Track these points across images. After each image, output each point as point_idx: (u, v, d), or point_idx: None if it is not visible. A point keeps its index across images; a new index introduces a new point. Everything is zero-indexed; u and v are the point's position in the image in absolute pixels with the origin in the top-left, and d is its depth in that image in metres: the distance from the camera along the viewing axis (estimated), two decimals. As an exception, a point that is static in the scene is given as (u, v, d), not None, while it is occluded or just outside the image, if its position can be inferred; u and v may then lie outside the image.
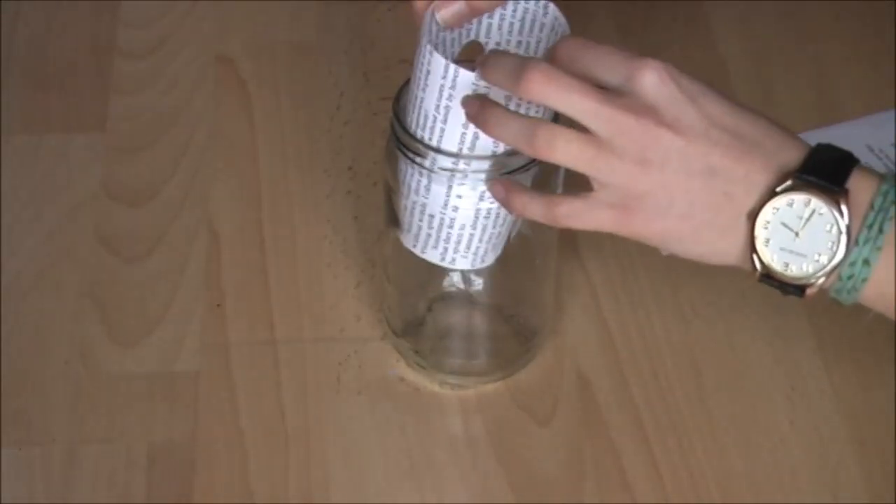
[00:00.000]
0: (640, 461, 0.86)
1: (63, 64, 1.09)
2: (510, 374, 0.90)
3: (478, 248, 0.83)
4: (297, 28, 1.12)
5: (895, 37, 1.10)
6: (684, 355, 0.91)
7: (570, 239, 0.95)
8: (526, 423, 0.88)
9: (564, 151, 0.73)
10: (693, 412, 0.88)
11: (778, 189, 0.71)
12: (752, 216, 0.72)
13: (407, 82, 0.84)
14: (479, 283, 0.89)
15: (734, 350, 0.91)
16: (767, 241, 0.72)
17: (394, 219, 0.85)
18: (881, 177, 0.72)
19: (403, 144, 0.81)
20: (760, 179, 0.72)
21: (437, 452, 0.86)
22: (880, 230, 0.71)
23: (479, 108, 0.76)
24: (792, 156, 0.72)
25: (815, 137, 1.03)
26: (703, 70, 1.08)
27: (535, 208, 0.77)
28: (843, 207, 0.71)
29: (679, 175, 0.72)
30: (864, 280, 0.71)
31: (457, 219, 0.82)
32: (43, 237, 0.97)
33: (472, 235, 0.82)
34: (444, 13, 0.80)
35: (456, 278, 0.89)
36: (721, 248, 0.74)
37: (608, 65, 0.73)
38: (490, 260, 0.85)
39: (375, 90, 1.07)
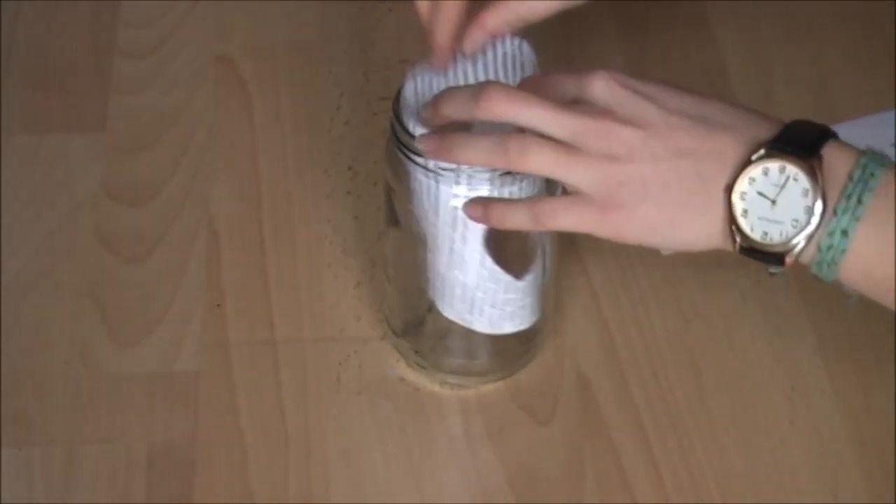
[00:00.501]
0: (640, 461, 0.85)
1: (63, 64, 1.09)
2: (510, 374, 0.90)
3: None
4: (297, 28, 1.12)
5: (895, 37, 1.10)
6: (684, 355, 0.91)
7: (570, 239, 0.95)
8: (526, 423, 0.88)
9: (538, 158, 0.74)
10: (693, 412, 0.88)
11: (752, 158, 0.72)
12: (728, 189, 0.72)
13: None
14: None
15: (734, 350, 0.91)
16: (745, 211, 0.72)
17: (394, 219, 0.85)
18: (861, 151, 0.73)
19: (403, 144, 0.81)
20: (732, 153, 0.73)
21: (437, 452, 0.86)
22: (859, 201, 0.71)
23: (437, 142, 0.78)
24: (765, 130, 0.73)
25: (815, 137, 1.04)
26: (703, 70, 1.08)
27: (515, 215, 0.77)
28: (818, 173, 0.71)
29: (647, 164, 0.73)
30: (843, 251, 0.71)
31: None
32: (43, 237, 0.97)
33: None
34: (468, 46, 0.82)
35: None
36: (702, 229, 0.74)
37: (563, 86, 0.76)
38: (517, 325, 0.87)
39: (375, 90, 1.07)
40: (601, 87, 0.74)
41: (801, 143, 0.73)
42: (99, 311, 0.93)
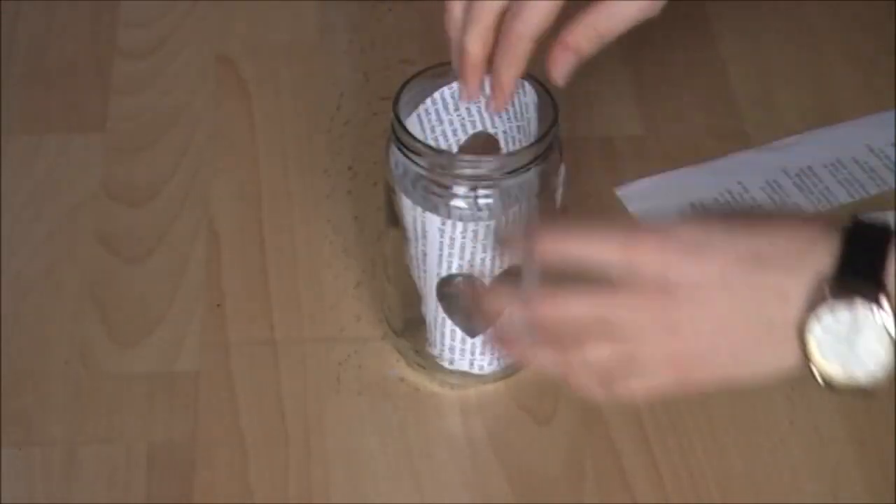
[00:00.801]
0: (640, 461, 0.85)
1: (63, 64, 1.09)
2: (510, 375, 0.89)
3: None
4: (297, 28, 1.12)
5: (895, 37, 1.10)
6: (684, 355, 0.90)
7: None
8: (526, 423, 0.88)
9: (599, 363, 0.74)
10: (693, 412, 0.88)
11: (817, 302, 0.68)
12: (800, 329, 0.68)
13: (407, 81, 0.84)
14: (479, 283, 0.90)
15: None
16: (823, 351, 0.69)
17: (394, 219, 0.85)
18: None
19: (403, 144, 0.81)
20: (795, 294, 0.69)
21: (437, 452, 0.86)
22: None
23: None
24: (822, 258, 0.68)
25: (816, 137, 1.04)
26: (703, 70, 1.08)
27: (596, 394, 0.76)
28: (885, 304, 0.67)
29: (711, 323, 0.71)
30: None
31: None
32: (43, 237, 0.97)
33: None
34: (559, 71, 0.81)
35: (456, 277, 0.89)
36: (780, 363, 0.70)
37: (606, 254, 0.72)
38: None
39: (375, 90, 1.07)
40: (649, 259, 0.70)
41: (864, 270, 0.67)
42: (99, 311, 0.93)
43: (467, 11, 0.81)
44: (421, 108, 0.84)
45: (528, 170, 0.81)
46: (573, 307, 0.73)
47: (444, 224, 0.82)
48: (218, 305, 0.93)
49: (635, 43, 1.10)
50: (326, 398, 0.89)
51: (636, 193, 0.99)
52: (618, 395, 0.75)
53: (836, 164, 1.01)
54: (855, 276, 0.67)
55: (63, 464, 0.85)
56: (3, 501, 0.83)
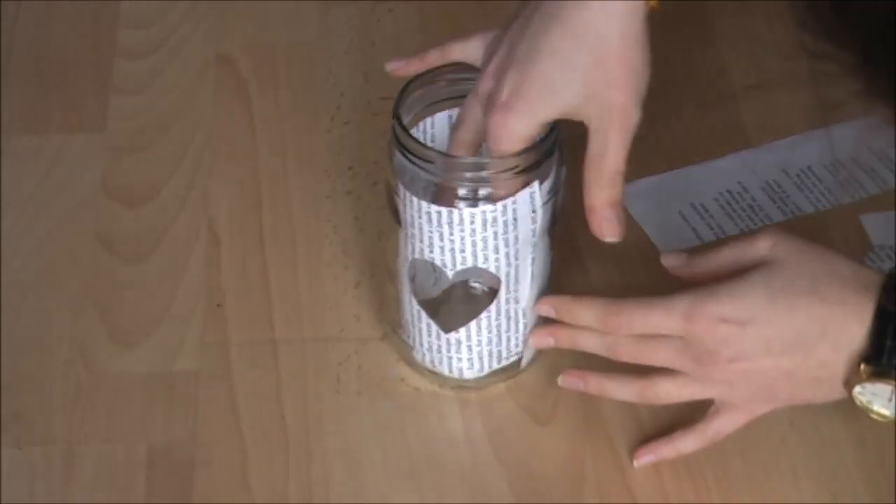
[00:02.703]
0: (640, 461, 0.86)
1: (63, 64, 1.09)
2: (511, 377, 0.89)
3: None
4: (297, 28, 1.12)
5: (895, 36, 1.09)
6: (684, 355, 0.90)
7: (570, 240, 0.95)
8: (526, 423, 0.88)
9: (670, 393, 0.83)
10: (693, 412, 0.87)
11: (855, 382, 0.78)
12: (848, 387, 0.79)
13: (409, 83, 0.84)
14: (480, 283, 0.89)
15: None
16: (870, 405, 0.79)
17: (395, 218, 0.85)
18: None
19: (403, 146, 0.82)
20: (837, 369, 0.78)
21: (437, 452, 0.86)
22: None
23: (580, 378, 0.86)
24: (857, 336, 0.78)
25: (816, 137, 1.04)
26: (704, 70, 1.08)
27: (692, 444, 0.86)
28: None
29: (761, 387, 0.81)
30: None
31: None
32: (43, 237, 0.97)
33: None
34: (613, 232, 0.85)
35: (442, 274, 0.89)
36: (835, 398, 0.81)
37: (659, 326, 0.81)
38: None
39: (375, 90, 1.07)
40: (707, 336, 0.79)
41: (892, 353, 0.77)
42: (99, 311, 0.93)
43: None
44: (437, 117, 0.86)
45: (530, 171, 0.81)
46: (654, 320, 0.81)
47: (447, 215, 0.82)
48: (218, 305, 0.93)
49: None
50: (326, 398, 0.89)
51: (636, 193, 0.99)
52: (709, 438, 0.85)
53: (836, 164, 1.01)
54: (889, 360, 0.77)
55: (63, 464, 0.85)
56: (3, 501, 0.83)
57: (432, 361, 0.88)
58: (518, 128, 0.80)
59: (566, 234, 0.94)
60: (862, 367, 0.77)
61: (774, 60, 1.10)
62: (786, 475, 0.85)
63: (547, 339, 0.86)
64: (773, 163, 1.02)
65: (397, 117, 0.82)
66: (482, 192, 0.82)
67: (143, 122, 1.05)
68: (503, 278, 0.84)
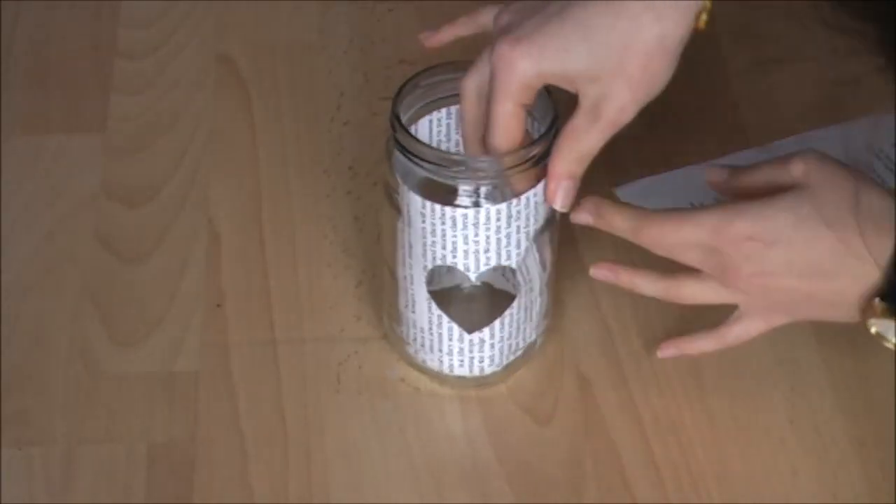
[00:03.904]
0: (640, 461, 0.86)
1: (63, 64, 1.09)
2: (510, 374, 0.89)
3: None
4: (297, 28, 1.12)
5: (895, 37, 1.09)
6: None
7: (569, 239, 0.95)
8: (526, 423, 0.88)
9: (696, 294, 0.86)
10: (693, 412, 0.88)
11: (869, 315, 0.80)
12: (862, 316, 0.81)
13: (407, 81, 0.84)
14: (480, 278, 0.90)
15: (734, 350, 0.91)
16: (883, 336, 0.81)
17: (396, 209, 0.85)
18: None
19: (402, 145, 0.82)
20: (853, 299, 0.80)
21: (437, 452, 0.86)
22: None
23: (610, 269, 0.88)
24: (875, 271, 0.79)
25: (816, 137, 1.04)
26: (703, 70, 1.08)
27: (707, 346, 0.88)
28: None
29: (780, 302, 0.84)
30: None
31: None
32: (43, 237, 0.97)
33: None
34: (561, 201, 0.84)
35: (458, 275, 0.89)
36: (850, 319, 0.83)
37: (688, 237, 0.83)
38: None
39: (375, 90, 1.07)
40: (733, 249, 0.81)
41: None
42: (99, 311, 0.93)
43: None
44: (434, 115, 0.86)
45: (530, 167, 0.81)
46: (685, 233, 0.83)
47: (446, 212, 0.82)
48: (218, 305, 0.93)
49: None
50: (326, 398, 0.89)
51: (636, 193, 0.99)
52: (725, 340, 0.87)
53: (835, 164, 1.01)
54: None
55: (63, 464, 0.85)
56: (3, 501, 0.83)
57: (451, 366, 0.88)
58: (521, 65, 0.80)
59: (566, 235, 0.94)
60: (876, 301, 0.79)
61: (774, 60, 1.10)
62: (786, 475, 0.85)
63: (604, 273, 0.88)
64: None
65: (398, 118, 0.82)
66: (483, 189, 0.82)
67: (143, 122, 1.05)
68: (524, 272, 0.85)
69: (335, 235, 0.98)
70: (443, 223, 0.82)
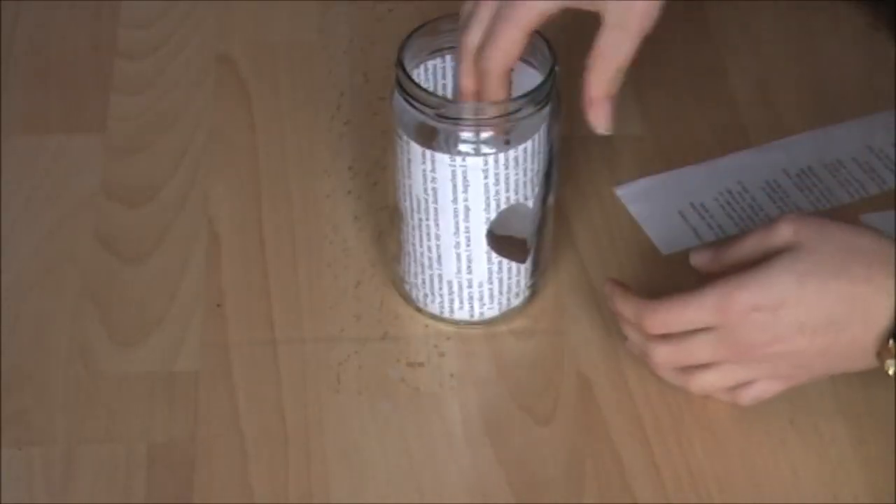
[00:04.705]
0: (640, 461, 0.85)
1: (63, 64, 1.09)
2: (508, 308, 0.91)
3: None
4: (297, 28, 1.12)
5: (894, 37, 1.10)
6: (684, 355, 0.91)
7: (570, 239, 0.95)
8: (526, 423, 0.88)
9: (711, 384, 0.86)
10: (693, 412, 0.88)
11: (886, 355, 0.80)
12: (879, 360, 0.80)
13: (412, 33, 0.86)
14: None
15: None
16: None
17: (425, 144, 0.86)
18: None
19: (408, 93, 0.83)
20: (868, 345, 0.80)
21: (437, 452, 0.86)
22: None
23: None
24: (886, 312, 0.79)
25: (815, 137, 1.04)
26: (704, 70, 1.08)
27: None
28: None
29: (798, 365, 0.83)
30: None
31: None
32: (43, 237, 0.97)
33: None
34: (604, 124, 0.85)
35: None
36: (869, 366, 0.82)
37: (693, 321, 0.83)
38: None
39: (375, 90, 1.07)
40: (740, 323, 0.81)
41: None
42: (99, 311, 0.93)
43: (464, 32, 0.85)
44: (429, 63, 0.88)
45: (531, 114, 0.83)
46: (690, 315, 0.83)
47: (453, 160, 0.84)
48: (218, 305, 0.93)
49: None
50: (326, 398, 0.89)
51: (636, 193, 0.99)
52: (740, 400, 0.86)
53: (836, 164, 1.01)
54: None
55: (63, 464, 0.85)
56: (3, 501, 0.83)
57: (450, 309, 0.91)
58: None
59: (567, 236, 0.94)
60: (891, 343, 0.79)
61: (774, 60, 1.10)
62: (786, 475, 0.85)
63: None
64: (773, 163, 1.02)
65: (402, 65, 0.84)
66: (484, 135, 0.84)
67: (143, 122, 1.05)
68: (537, 209, 0.88)
69: (335, 235, 0.98)
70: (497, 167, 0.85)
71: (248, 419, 0.87)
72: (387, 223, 0.96)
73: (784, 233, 0.81)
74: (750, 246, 0.83)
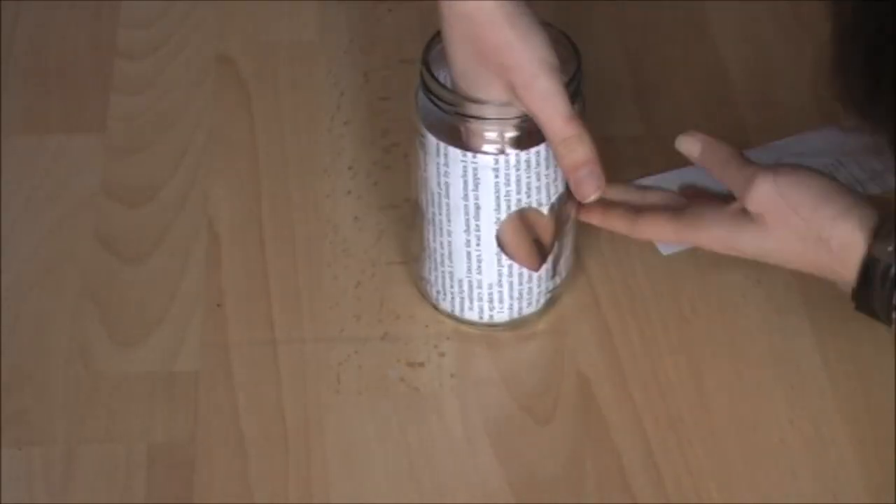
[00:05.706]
0: (640, 461, 0.85)
1: (63, 64, 1.09)
2: (518, 315, 0.91)
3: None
4: (297, 28, 1.12)
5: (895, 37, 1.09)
6: (684, 355, 0.91)
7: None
8: (526, 423, 0.88)
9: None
10: (693, 412, 0.88)
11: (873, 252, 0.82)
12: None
13: (435, 36, 0.85)
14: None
15: (734, 350, 0.91)
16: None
17: (451, 140, 0.86)
18: None
19: (432, 93, 0.83)
20: (859, 237, 0.82)
21: (437, 452, 0.86)
22: None
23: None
24: (870, 218, 0.82)
25: (815, 137, 1.04)
26: (704, 70, 1.08)
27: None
28: None
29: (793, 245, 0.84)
30: None
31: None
32: (43, 237, 0.97)
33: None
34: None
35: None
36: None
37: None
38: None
39: (375, 90, 1.07)
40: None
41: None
42: (99, 311, 0.93)
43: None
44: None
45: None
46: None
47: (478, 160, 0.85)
48: (218, 305, 0.93)
49: (635, 42, 1.10)
50: (326, 398, 0.89)
51: (636, 193, 0.99)
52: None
53: (836, 164, 1.01)
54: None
55: (63, 464, 0.85)
56: (3, 501, 0.83)
57: (461, 308, 0.91)
58: None
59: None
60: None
61: (774, 60, 1.10)
62: (786, 475, 0.85)
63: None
64: (773, 163, 1.01)
65: (427, 66, 0.85)
66: (508, 135, 0.84)
67: (143, 122, 1.05)
68: (553, 216, 0.88)
69: (335, 235, 0.98)
70: (517, 168, 0.85)
71: (248, 419, 0.87)
72: (387, 223, 0.96)
73: (752, 204, 0.84)
74: (726, 180, 0.86)
